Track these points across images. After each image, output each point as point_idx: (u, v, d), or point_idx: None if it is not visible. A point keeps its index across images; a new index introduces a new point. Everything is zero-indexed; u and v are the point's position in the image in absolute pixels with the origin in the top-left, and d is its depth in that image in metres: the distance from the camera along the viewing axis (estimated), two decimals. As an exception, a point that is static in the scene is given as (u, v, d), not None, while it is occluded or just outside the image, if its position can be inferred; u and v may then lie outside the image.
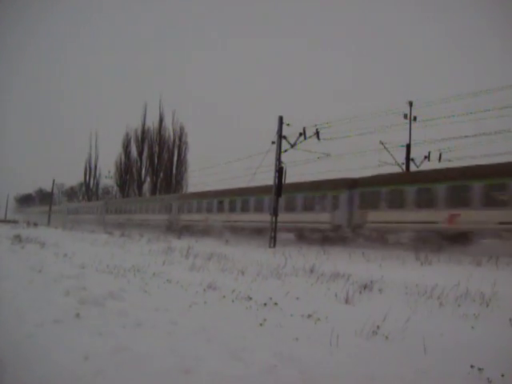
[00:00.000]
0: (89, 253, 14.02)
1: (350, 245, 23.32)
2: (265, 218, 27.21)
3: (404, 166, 29.39)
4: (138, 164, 66.47)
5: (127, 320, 5.29)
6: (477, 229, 19.50)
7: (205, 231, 35.05)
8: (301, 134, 25.41)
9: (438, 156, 27.42)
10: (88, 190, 78.61)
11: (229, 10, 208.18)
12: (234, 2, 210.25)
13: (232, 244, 24.06)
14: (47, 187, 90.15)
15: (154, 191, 62.82)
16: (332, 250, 20.09)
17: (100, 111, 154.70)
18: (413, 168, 29.09)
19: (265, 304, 6.67)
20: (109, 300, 6.34)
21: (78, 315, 5.32)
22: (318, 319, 5.85)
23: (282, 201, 26.28)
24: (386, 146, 28.85)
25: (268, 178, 26.91)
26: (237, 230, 31.54)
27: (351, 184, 25.35)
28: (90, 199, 75.23)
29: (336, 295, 7.55)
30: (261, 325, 5.48)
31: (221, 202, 34.88)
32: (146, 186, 65.88)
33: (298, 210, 28.39)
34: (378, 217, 23.38)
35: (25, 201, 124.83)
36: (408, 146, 29.36)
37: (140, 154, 66.18)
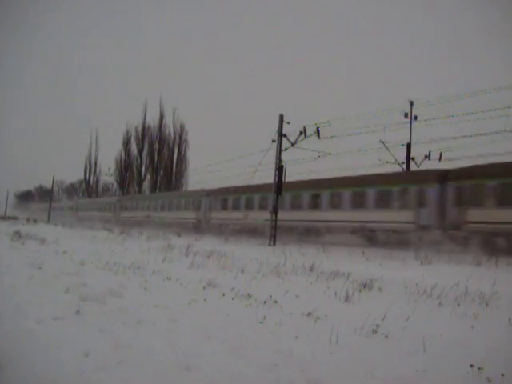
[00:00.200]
0: (88, 250, 14.03)
1: (441, 249, 18.57)
2: (323, 215, 25.03)
3: (404, 166, 29.38)
4: (138, 161, 66.53)
5: (127, 317, 5.30)
6: None
7: (242, 231, 31.97)
8: (301, 133, 25.43)
9: (439, 155, 27.40)
10: (88, 187, 78.60)
11: (229, 10, 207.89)
12: (234, 2, 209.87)
13: (231, 242, 24.08)
14: (47, 184, 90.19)
15: (153, 189, 62.80)
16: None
17: (100, 108, 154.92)
18: (413, 167, 29.09)
19: (264, 302, 6.68)
20: (109, 297, 6.35)
21: (78, 312, 5.33)
22: (318, 317, 5.85)
23: (346, 195, 24.30)
24: (387, 144, 28.86)
25: (267, 177, 26.95)
26: (285, 231, 27.74)
27: (443, 176, 21.60)
28: (90, 196, 75.19)
29: (336, 294, 7.55)
30: (260, 322, 5.49)
31: (264, 199, 30.36)
32: (146, 184, 65.92)
33: (368, 206, 24.13)
34: (484, 216, 19.30)
35: (25, 197, 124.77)
36: (408, 145, 29.35)
37: (140, 151, 66.22)
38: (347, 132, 25.27)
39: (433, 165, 27.04)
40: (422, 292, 8.01)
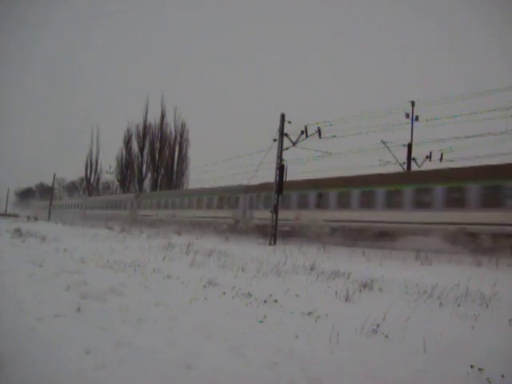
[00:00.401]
0: (89, 248, 14.03)
1: None
2: (403, 216, 21.05)
3: (405, 166, 29.37)
4: (139, 160, 66.52)
5: (128, 315, 5.30)
6: None
7: (293, 234, 27.32)
8: (302, 132, 25.40)
9: (440, 156, 27.39)
10: (89, 185, 78.62)
11: (231, 9, 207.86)
12: (236, 1, 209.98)
13: (232, 241, 24.08)
14: (48, 181, 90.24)
15: (154, 187, 62.79)
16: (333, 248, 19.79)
17: (101, 106, 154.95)
18: (414, 168, 29.07)
19: (265, 301, 6.68)
20: (109, 295, 6.36)
21: (79, 310, 5.34)
22: (318, 317, 5.86)
23: (438, 192, 20.44)
24: (388, 145, 28.83)
25: (268, 176, 26.89)
26: (350, 233, 24.00)
27: None
28: (90, 194, 75.19)
29: (336, 293, 7.55)
30: (261, 321, 5.50)
31: (320, 195, 26.24)
32: (147, 182, 65.94)
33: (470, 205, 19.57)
34: None
35: (25, 195, 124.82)
36: (409, 146, 29.33)
37: (141, 149, 66.21)
38: (348, 132, 25.23)
39: (434, 166, 27.01)
40: (422, 292, 8.00)
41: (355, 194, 24.30)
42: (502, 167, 19.14)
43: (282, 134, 25.16)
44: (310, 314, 6.02)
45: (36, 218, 43.89)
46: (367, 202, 23.65)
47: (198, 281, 8.26)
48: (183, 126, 64.66)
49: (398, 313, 6.11)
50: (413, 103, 28.64)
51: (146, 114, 66.12)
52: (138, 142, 66.70)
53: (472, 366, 4.06)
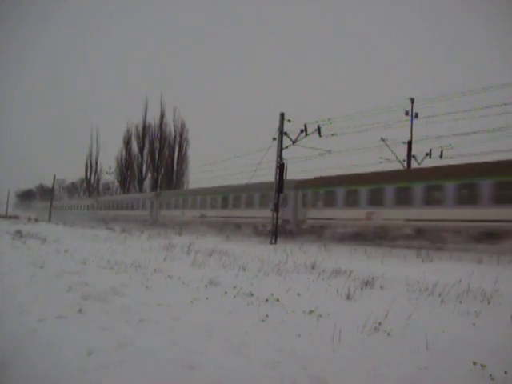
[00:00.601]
0: (90, 249, 14.04)
1: None
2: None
3: (405, 163, 29.35)
4: (139, 160, 66.49)
5: (130, 315, 5.30)
6: None
7: (362, 237, 23.34)
8: (302, 131, 25.38)
9: (440, 153, 27.37)
10: (89, 186, 78.64)
11: (231, 8, 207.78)
12: (235, 1, 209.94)
13: (232, 240, 24.09)
14: (48, 183, 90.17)
15: (154, 188, 62.75)
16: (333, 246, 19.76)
17: (101, 107, 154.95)
18: (414, 165, 29.06)
19: (266, 300, 6.68)
20: (111, 295, 6.36)
21: (80, 311, 5.34)
22: (320, 315, 5.85)
23: None
24: (388, 142, 28.80)
25: (268, 175, 26.81)
26: (438, 235, 20.38)
27: None
28: (90, 194, 75.15)
29: (337, 292, 7.55)
30: (263, 321, 5.49)
31: (406, 190, 21.97)
32: (147, 183, 65.91)
33: None
34: None
35: (26, 196, 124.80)
36: (409, 143, 29.31)
37: (141, 149, 66.17)
38: (348, 130, 25.21)
39: (434, 163, 26.99)
40: (423, 290, 8.00)
41: (450, 188, 20.25)
42: None
43: (281, 132, 25.13)
44: (311, 312, 6.01)
45: (37, 220, 43.89)
46: (468, 198, 19.48)
47: (199, 280, 8.26)
48: (183, 125, 64.67)
49: (400, 310, 6.11)
50: (412, 100, 28.61)
51: (146, 114, 66.15)
52: (137, 142, 66.73)
53: (475, 363, 4.05)
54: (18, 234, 19.60)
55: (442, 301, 7.18)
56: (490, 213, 18.45)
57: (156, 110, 65.90)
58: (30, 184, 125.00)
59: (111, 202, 54.63)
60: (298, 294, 7.38)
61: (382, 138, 28.58)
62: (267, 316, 5.67)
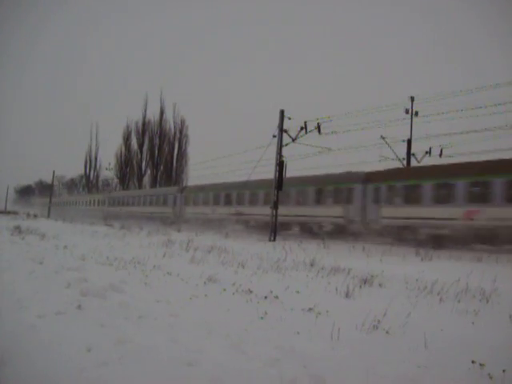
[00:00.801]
0: (89, 245, 14.04)
1: None
2: None
3: (405, 162, 29.35)
4: (139, 156, 66.36)
5: (129, 312, 5.30)
6: None
7: (462, 240, 19.34)
8: (302, 128, 25.36)
9: (440, 151, 27.38)
10: (88, 182, 78.60)
11: (231, 7, 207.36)
12: (235, 1, 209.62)
13: (231, 237, 24.09)
14: (47, 179, 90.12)
15: (154, 184, 62.68)
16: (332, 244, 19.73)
17: (101, 103, 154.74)
18: (413, 163, 29.06)
19: (265, 297, 6.68)
20: (110, 292, 6.35)
21: (79, 307, 5.34)
22: (319, 313, 5.86)
23: None
24: (387, 140, 28.77)
25: (267, 172, 26.76)
26: None
27: None
28: (90, 191, 75.05)
29: (336, 289, 7.55)
30: (262, 318, 5.50)
31: None
32: (146, 179, 65.84)
33: None
34: None
35: (25, 192, 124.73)
36: (409, 141, 29.31)
37: (140, 146, 66.05)
38: (348, 128, 25.19)
39: (433, 161, 26.97)
40: (422, 288, 8.01)
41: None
42: None
43: (281, 130, 25.11)
44: (310, 310, 6.02)
45: (36, 216, 43.85)
46: None
47: (198, 277, 8.27)
48: (182, 122, 64.54)
49: (399, 309, 6.11)
50: (412, 99, 28.61)
51: (145, 110, 66.02)
52: (137, 138, 66.58)
53: (473, 362, 4.06)
54: (17, 229, 19.58)
55: (440, 299, 7.19)
56: None
57: (156, 106, 66.01)
58: (30, 180, 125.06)
59: (125, 198, 49.54)
60: (297, 292, 7.38)
61: (381, 136, 28.58)
62: (266, 313, 5.67)
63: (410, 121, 28.69)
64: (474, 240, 19.07)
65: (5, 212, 57.48)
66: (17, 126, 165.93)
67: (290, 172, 26.66)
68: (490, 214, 18.14)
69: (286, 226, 27.66)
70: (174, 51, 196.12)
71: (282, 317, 5.56)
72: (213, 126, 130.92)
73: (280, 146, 24.99)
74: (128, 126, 67.68)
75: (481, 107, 22.39)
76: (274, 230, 24.26)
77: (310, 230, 26.36)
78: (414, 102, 28.55)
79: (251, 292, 7.06)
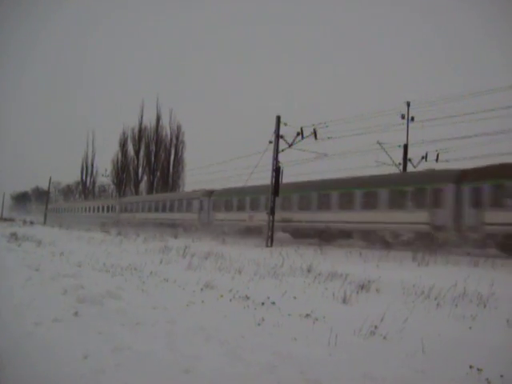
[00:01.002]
0: (85, 251, 13.98)
1: None
2: None
3: (401, 167, 29.44)
4: (135, 162, 66.32)
5: (126, 319, 5.28)
6: None
7: None
8: (298, 134, 25.39)
9: (436, 156, 27.46)
10: (85, 189, 78.42)
11: (228, 10, 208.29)
12: (233, 2, 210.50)
13: (228, 242, 24.03)
14: (43, 185, 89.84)
15: (150, 190, 62.58)
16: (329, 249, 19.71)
17: (97, 110, 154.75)
18: (410, 169, 29.14)
19: (262, 303, 6.67)
20: (107, 299, 6.34)
21: (76, 314, 5.32)
22: (316, 319, 5.85)
23: None
24: (384, 146, 28.86)
25: (264, 178, 26.74)
26: None
27: None
28: (86, 198, 74.84)
29: (333, 295, 7.55)
30: (259, 324, 5.48)
31: None
32: (143, 185, 65.77)
33: None
34: None
35: (21, 198, 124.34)
36: (405, 147, 29.40)
37: (137, 152, 66.04)
38: (344, 133, 25.23)
39: (429, 166, 27.04)
40: (419, 293, 8.01)
41: None
42: None
43: (277, 135, 25.13)
44: (307, 316, 6.01)
45: (32, 222, 43.69)
46: None
47: (195, 284, 8.25)
48: (179, 128, 64.59)
49: (396, 314, 6.10)
50: (408, 104, 28.74)
51: (142, 116, 66.04)
52: (133, 144, 66.55)
53: (471, 367, 4.06)
54: (14, 236, 19.51)
55: (437, 304, 7.19)
56: None
57: (152, 112, 65.86)
58: (26, 186, 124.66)
59: (141, 204, 45.19)
60: (294, 298, 7.38)
61: (378, 142, 28.66)
62: (263, 319, 5.66)
63: (406, 126, 28.81)
64: None
65: (1, 219, 57.28)
66: (14, 130, 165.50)
67: (287, 178, 26.60)
68: None
69: (345, 234, 24.33)
70: (174, 51, 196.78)
71: (279, 323, 5.55)
72: (211, 126, 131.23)
73: (276, 152, 25.02)
74: (124, 133, 67.69)
75: (476, 112, 22.49)
76: (270, 236, 24.22)
77: (380, 240, 22.20)
78: (411, 107, 28.69)
79: (248, 298, 7.05)
